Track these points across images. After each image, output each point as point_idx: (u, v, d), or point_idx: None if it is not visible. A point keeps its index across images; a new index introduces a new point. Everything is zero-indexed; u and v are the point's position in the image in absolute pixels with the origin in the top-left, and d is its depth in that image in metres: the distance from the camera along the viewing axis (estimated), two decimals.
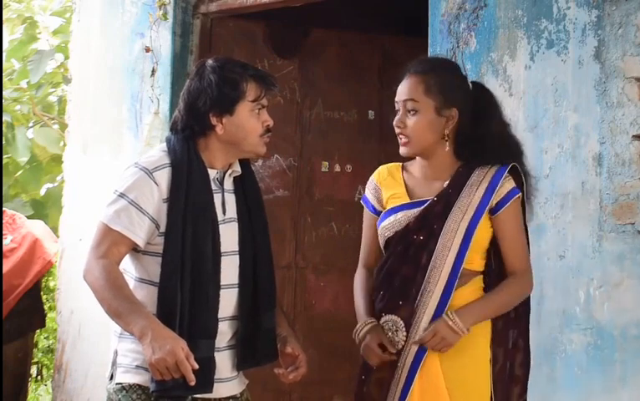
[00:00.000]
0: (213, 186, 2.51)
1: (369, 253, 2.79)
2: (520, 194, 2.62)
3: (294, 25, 4.98)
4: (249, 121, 2.51)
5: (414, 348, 2.54)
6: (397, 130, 2.62)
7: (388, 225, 2.64)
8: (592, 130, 3.30)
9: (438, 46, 3.69)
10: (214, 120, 2.49)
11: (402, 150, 2.64)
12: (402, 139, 2.62)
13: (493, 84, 3.50)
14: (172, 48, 4.57)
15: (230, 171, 2.56)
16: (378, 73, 4.99)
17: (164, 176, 2.44)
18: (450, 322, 2.49)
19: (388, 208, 2.68)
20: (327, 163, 5.03)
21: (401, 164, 2.74)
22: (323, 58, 5.03)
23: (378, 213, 2.73)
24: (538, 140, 3.42)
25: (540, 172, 3.37)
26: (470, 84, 2.71)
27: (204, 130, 2.51)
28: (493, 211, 2.58)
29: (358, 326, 2.65)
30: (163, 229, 2.43)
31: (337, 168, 5.03)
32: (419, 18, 4.03)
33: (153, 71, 4.62)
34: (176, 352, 2.22)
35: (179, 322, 2.36)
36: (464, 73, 2.75)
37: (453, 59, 3.60)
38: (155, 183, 2.43)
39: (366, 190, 2.78)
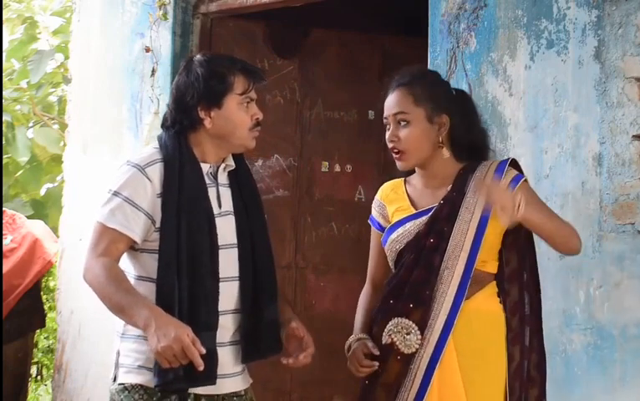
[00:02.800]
0: (207, 180, 2.51)
1: (376, 269, 2.81)
2: (525, 179, 2.62)
3: (294, 25, 4.98)
4: (237, 114, 2.51)
5: (430, 351, 2.52)
6: (390, 145, 2.62)
7: (397, 238, 2.64)
8: (592, 130, 3.30)
9: (438, 46, 3.69)
10: (202, 114, 2.49)
11: (399, 164, 2.64)
12: (397, 154, 2.62)
13: (493, 84, 3.51)
14: (172, 48, 4.57)
15: (223, 166, 2.57)
16: (378, 73, 4.99)
17: (156, 171, 2.45)
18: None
19: (394, 221, 2.67)
20: (327, 163, 5.03)
21: (403, 178, 2.75)
22: (323, 58, 5.03)
23: (382, 229, 2.74)
24: (538, 140, 3.42)
25: (540, 172, 3.38)
26: (453, 91, 2.74)
27: (193, 125, 2.51)
28: None
29: (349, 340, 2.69)
30: (159, 224, 2.43)
31: (337, 168, 5.03)
32: (419, 18, 4.03)
33: (153, 71, 4.62)
34: (182, 338, 2.21)
35: (178, 315, 2.35)
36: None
37: (453, 59, 3.61)
38: (148, 178, 2.44)
39: (372, 210, 2.80)
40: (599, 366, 3.22)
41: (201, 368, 2.24)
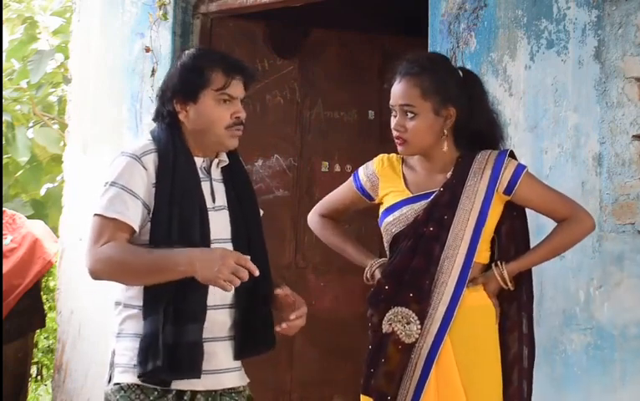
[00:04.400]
0: (200, 174, 2.50)
1: (332, 208, 2.89)
2: (527, 170, 2.64)
3: (294, 25, 4.98)
4: (214, 111, 2.47)
5: (430, 341, 2.54)
6: (395, 133, 2.63)
7: (394, 221, 2.64)
8: (592, 130, 3.30)
9: (438, 46, 3.69)
10: (177, 107, 2.48)
11: (400, 150, 2.65)
12: (400, 141, 2.63)
13: (493, 84, 3.50)
14: (172, 48, 4.57)
15: (216, 161, 2.55)
16: (378, 73, 4.98)
17: (151, 160, 2.43)
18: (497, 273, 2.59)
19: (390, 204, 2.67)
20: (327, 163, 5.03)
21: (401, 156, 2.74)
22: (323, 58, 5.03)
23: (365, 194, 2.77)
24: (538, 140, 3.42)
25: (540, 172, 3.37)
26: (460, 72, 2.73)
27: (170, 117, 2.49)
28: (508, 191, 2.59)
29: (367, 268, 2.73)
30: (152, 215, 2.41)
31: (337, 168, 5.03)
32: (419, 18, 4.03)
33: (153, 71, 4.61)
34: (227, 254, 2.25)
35: (165, 305, 2.33)
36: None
37: (453, 59, 3.61)
38: (144, 167, 2.42)
39: (361, 170, 2.80)
40: (599, 366, 3.22)
41: (257, 273, 2.26)
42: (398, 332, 2.54)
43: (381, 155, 2.79)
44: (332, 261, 5.00)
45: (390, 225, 2.65)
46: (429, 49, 3.72)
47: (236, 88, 2.50)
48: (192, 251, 2.30)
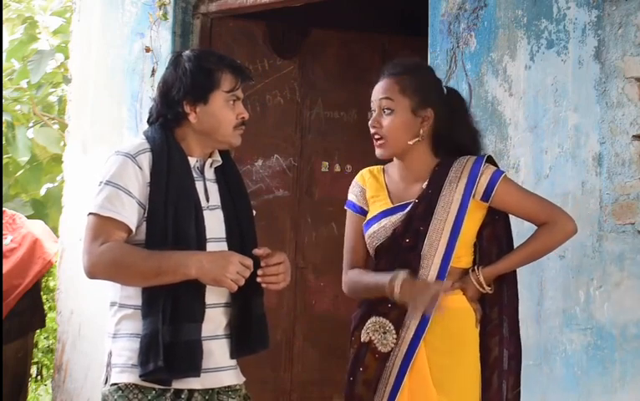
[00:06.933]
0: (194, 174, 2.50)
1: (355, 255, 2.76)
2: (505, 175, 2.62)
3: (294, 25, 4.99)
4: (222, 111, 2.50)
5: (404, 349, 2.55)
6: (372, 130, 2.66)
7: (374, 234, 2.65)
8: (592, 130, 3.30)
9: (438, 46, 3.69)
10: (187, 108, 2.48)
11: (377, 152, 2.67)
12: (377, 141, 2.64)
13: (493, 84, 3.51)
14: (172, 48, 4.57)
15: (210, 161, 2.55)
16: (377, 73, 4.98)
17: (146, 160, 2.44)
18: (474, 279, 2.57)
19: (372, 214, 2.67)
20: (327, 163, 5.03)
21: (382, 166, 2.76)
22: (323, 58, 5.04)
23: (363, 212, 2.73)
24: (538, 140, 3.42)
25: (540, 172, 3.38)
26: (445, 89, 2.74)
27: (177, 119, 2.50)
28: (486, 197, 2.58)
29: (391, 280, 2.52)
30: (147, 214, 2.41)
31: (337, 168, 5.03)
32: (419, 18, 4.03)
33: (153, 71, 4.62)
34: (232, 255, 2.34)
35: (162, 305, 2.33)
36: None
37: (453, 59, 3.61)
38: (139, 166, 2.42)
39: (349, 194, 2.78)
40: (599, 366, 3.22)
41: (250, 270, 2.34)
42: (375, 342, 2.56)
43: (361, 171, 2.80)
44: (332, 261, 4.98)
45: (372, 238, 2.66)
46: (429, 49, 3.72)
47: (241, 90, 2.54)
48: (199, 253, 2.34)
